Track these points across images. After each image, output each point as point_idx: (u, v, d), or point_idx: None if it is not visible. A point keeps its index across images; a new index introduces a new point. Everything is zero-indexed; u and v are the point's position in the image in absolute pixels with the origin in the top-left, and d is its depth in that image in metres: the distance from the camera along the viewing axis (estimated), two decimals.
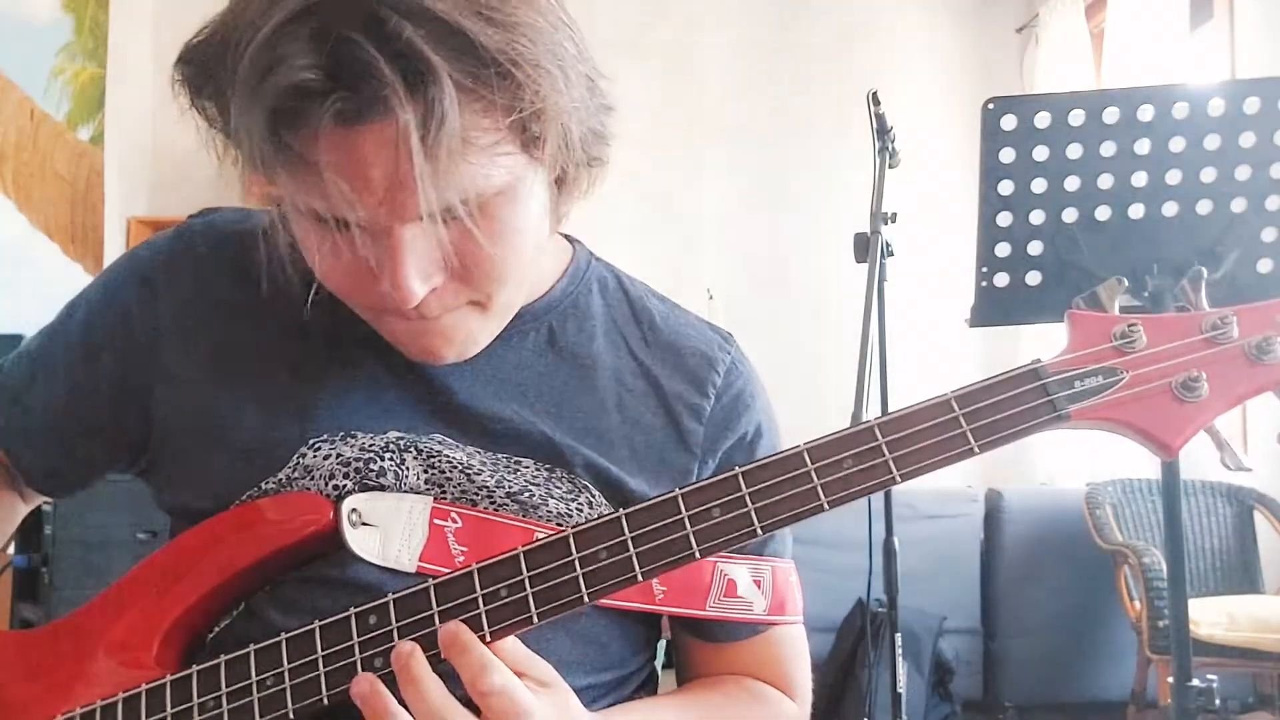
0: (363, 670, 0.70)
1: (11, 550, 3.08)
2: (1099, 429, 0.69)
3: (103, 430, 0.88)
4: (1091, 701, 3.65)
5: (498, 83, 0.65)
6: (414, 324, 0.75)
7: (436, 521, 0.78)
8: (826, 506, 0.67)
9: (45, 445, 0.90)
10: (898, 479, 0.68)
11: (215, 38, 0.69)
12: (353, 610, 0.71)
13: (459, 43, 0.64)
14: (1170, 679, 1.74)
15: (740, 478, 0.69)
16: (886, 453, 0.67)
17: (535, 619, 0.69)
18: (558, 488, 0.82)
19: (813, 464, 0.68)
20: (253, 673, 0.72)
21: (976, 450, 0.68)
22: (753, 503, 0.68)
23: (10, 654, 0.80)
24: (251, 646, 0.73)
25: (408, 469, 0.80)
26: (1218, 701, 1.71)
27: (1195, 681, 1.71)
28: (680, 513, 0.69)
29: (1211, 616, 2.97)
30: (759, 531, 0.68)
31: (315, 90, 0.63)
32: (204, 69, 0.70)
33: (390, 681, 0.68)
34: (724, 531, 0.68)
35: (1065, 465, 4.19)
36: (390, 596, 0.71)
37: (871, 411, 1.34)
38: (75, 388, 0.87)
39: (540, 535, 0.75)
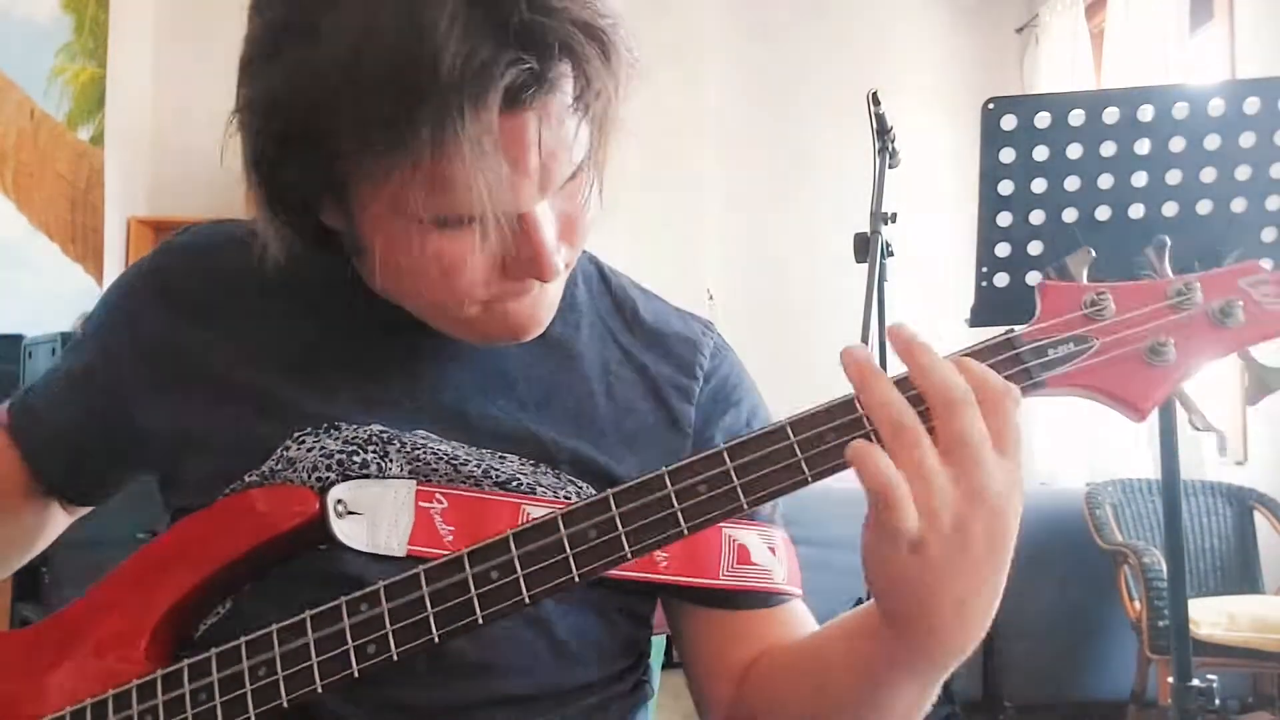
0: (356, 660, 0.70)
1: None
2: (1072, 395, 0.70)
3: (110, 443, 0.89)
4: (1091, 701, 3.64)
5: (610, 54, 0.68)
6: (520, 301, 0.76)
7: (422, 504, 0.78)
8: (810, 480, 0.68)
9: (67, 461, 0.92)
10: None
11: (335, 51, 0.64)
12: (343, 599, 0.71)
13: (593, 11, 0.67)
14: (1170, 679, 1.75)
15: (725, 454, 0.69)
16: (868, 424, 0.67)
17: (528, 600, 0.69)
18: (545, 478, 0.82)
19: (795, 438, 0.68)
20: (244, 664, 0.72)
21: None
22: (738, 478, 0.68)
23: (1, 652, 0.80)
24: (242, 638, 0.72)
25: (391, 460, 0.80)
26: (1218, 701, 1.71)
27: (1195, 681, 1.71)
28: (667, 489, 0.69)
29: (1211, 616, 2.97)
30: (745, 506, 0.68)
31: (504, 65, 0.64)
32: (330, 93, 0.65)
33: (383, 667, 0.69)
34: (710, 508, 0.68)
35: (1065, 465, 4.20)
36: (380, 583, 0.71)
37: None
38: (85, 404, 0.89)
39: (527, 509, 0.76)
